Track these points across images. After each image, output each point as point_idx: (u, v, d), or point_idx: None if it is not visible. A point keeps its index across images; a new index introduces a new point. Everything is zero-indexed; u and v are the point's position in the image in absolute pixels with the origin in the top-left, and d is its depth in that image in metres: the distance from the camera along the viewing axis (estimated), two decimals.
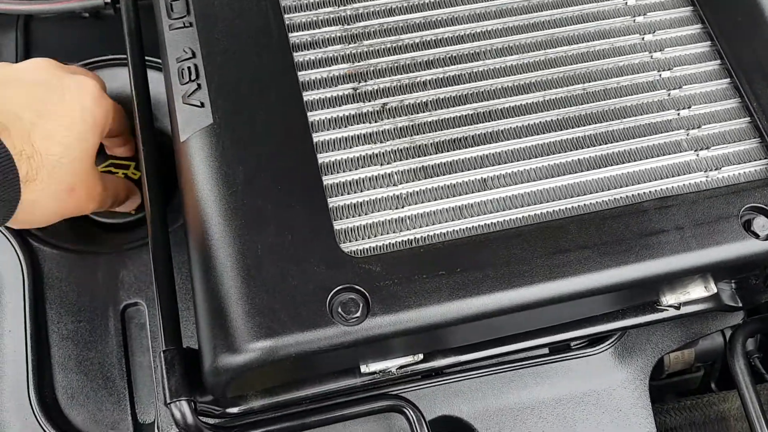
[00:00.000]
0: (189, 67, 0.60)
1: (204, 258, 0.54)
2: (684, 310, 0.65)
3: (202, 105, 0.59)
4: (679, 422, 0.76)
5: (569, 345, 0.71)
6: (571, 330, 0.65)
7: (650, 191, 0.59)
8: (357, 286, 0.52)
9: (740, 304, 0.67)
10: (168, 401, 0.53)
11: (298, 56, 0.61)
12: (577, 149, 0.60)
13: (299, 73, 0.60)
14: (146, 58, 0.70)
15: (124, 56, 0.78)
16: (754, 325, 0.68)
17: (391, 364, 0.58)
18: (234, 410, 0.58)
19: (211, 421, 0.57)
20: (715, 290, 0.61)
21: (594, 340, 0.71)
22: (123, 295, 0.69)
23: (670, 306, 0.63)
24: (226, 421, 0.59)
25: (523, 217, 0.57)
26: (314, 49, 0.62)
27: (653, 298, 0.62)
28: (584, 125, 0.61)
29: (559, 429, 0.69)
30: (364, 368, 0.58)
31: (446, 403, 0.68)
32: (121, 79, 0.80)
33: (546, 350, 0.71)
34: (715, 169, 0.60)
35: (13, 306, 0.67)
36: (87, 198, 0.62)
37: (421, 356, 0.59)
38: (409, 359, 0.59)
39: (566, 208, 0.58)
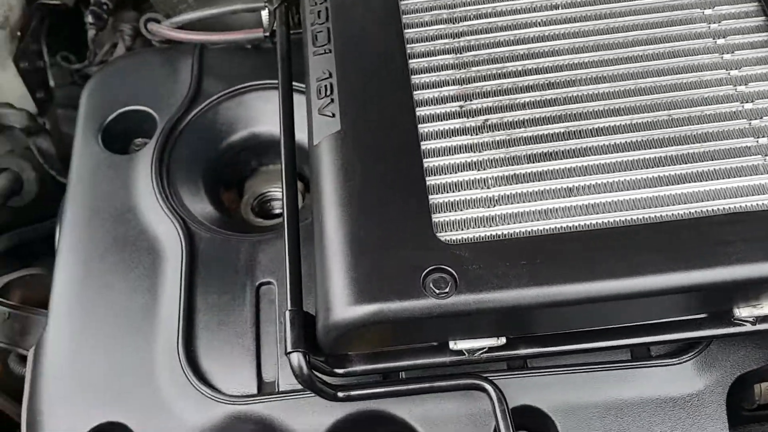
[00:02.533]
0: (326, 85, 0.73)
1: (325, 236, 0.65)
2: (760, 326, 0.69)
3: (333, 115, 0.71)
4: None
5: (650, 353, 0.76)
6: (648, 335, 0.70)
7: (724, 208, 0.64)
8: (447, 267, 0.62)
9: None
10: (288, 351, 0.65)
11: (415, 78, 0.73)
12: (658, 167, 0.67)
13: (415, 93, 0.72)
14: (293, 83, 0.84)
15: (276, 82, 0.94)
16: None
17: (477, 344, 0.67)
18: (340, 371, 0.69)
19: (321, 376, 0.68)
20: None
21: (675, 351, 0.75)
22: (259, 274, 0.82)
23: (744, 320, 0.67)
24: (333, 380, 0.69)
25: (603, 222, 0.65)
26: (429, 73, 0.73)
27: (725, 307, 0.67)
28: (667, 146, 0.68)
29: (636, 430, 0.73)
30: (452, 345, 0.67)
31: (529, 395, 0.75)
32: (271, 100, 0.95)
33: (629, 356, 0.76)
34: None
35: (171, 277, 0.82)
36: None
37: (504, 340, 0.67)
38: (492, 341, 0.67)
39: (643, 217, 0.64)
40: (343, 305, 0.61)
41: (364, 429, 0.75)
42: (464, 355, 0.68)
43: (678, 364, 0.75)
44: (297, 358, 0.65)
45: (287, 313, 0.66)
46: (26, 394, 0.78)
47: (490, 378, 0.73)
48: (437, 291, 0.61)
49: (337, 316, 0.62)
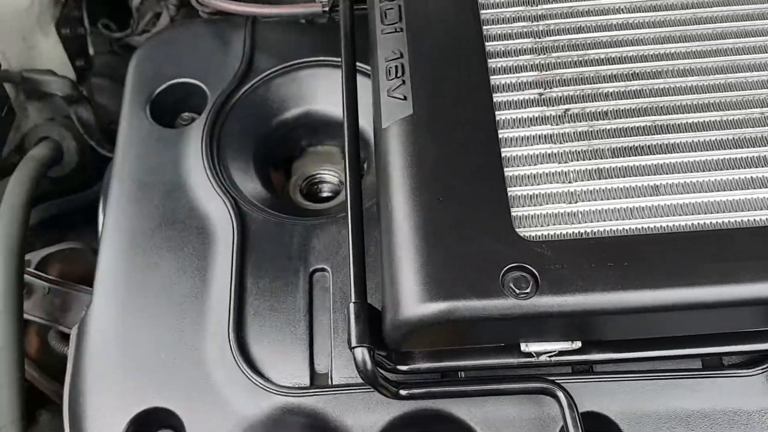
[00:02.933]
0: (396, 66, 0.69)
1: (394, 226, 0.62)
2: None
3: (405, 98, 0.67)
4: None
5: (723, 363, 0.72)
6: (730, 344, 0.66)
7: None
8: (528, 266, 0.58)
9: None
10: (352, 346, 0.61)
11: (492, 62, 0.69)
12: (750, 167, 0.63)
13: (491, 77, 0.68)
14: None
15: (332, 59, 0.91)
16: None
17: (550, 347, 0.63)
18: (403, 368, 0.66)
19: (384, 373, 0.65)
20: None
21: (750, 361, 0.72)
22: (312, 260, 0.78)
23: None
24: (395, 377, 0.66)
25: (692, 224, 0.61)
26: (506, 57, 0.69)
27: None
28: (760, 146, 0.64)
29: None
30: (524, 347, 0.63)
31: (595, 401, 0.71)
32: (326, 78, 0.92)
33: (699, 364, 0.73)
34: None
35: (222, 258, 0.79)
36: None
37: (579, 344, 0.63)
38: (566, 345, 0.63)
39: (735, 221, 0.61)
40: (415, 301, 0.58)
41: (421, 427, 0.72)
42: (533, 357, 0.65)
43: (752, 375, 0.71)
44: (361, 353, 0.61)
45: (351, 306, 0.63)
46: (69, 374, 0.76)
47: (557, 380, 0.70)
48: (517, 291, 0.57)
49: (407, 313, 0.58)
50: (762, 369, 0.71)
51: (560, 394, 0.65)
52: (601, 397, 0.71)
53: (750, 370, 0.71)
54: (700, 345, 0.67)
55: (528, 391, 0.67)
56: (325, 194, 0.95)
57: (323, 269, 0.78)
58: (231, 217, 0.80)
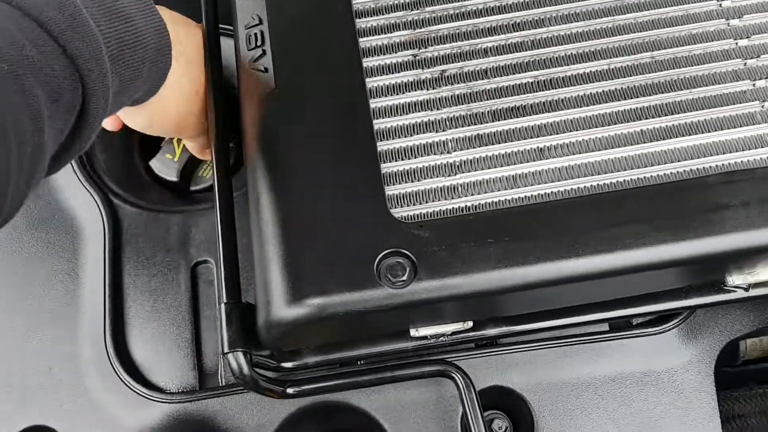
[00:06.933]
0: (256, 34, 0.62)
1: (261, 216, 0.56)
2: (754, 292, 0.62)
3: (266, 70, 0.61)
4: (748, 410, 0.72)
5: (630, 323, 0.70)
6: (631, 306, 0.63)
7: (717, 165, 0.56)
8: (405, 251, 0.53)
9: None
10: (225, 351, 0.56)
11: (360, 23, 0.62)
12: (640, 119, 0.58)
13: (360, 40, 0.61)
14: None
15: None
16: None
17: (440, 330, 0.59)
18: (288, 365, 0.61)
19: (266, 373, 0.60)
20: None
21: (657, 319, 0.69)
22: (194, 253, 0.72)
23: (737, 287, 0.61)
24: (281, 375, 0.61)
25: (579, 188, 0.56)
26: (377, 15, 0.63)
27: (717, 278, 0.60)
28: (650, 95, 0.59)
29: (615, 407, 0.67)
30: (413, 332, 0.59)
31: (498, 374, 0.68)
32: None
33: (606, 327, 0.70)
34: None
35: (93, 258, 0.72)
36: (200, 113, 0.64)
37: (470, 324, 0.59)
38: (458, 326, 0.59)
39: (625, 180, 0.56)
40: (285, 301, 0.53)
41: (320, 420, 0.68)
42: (427, 339, 0.61)
43: (660, 333, 0.69)
44: (235, 359, 0.56)
45: (222, 307, 0.57)
46: None
47: (456, 359, 0.66)
48: (393, 279, 0.52)
49: (278, 314, 0.53)
50: (670, 326, 0.69)
51: (456, 375, 0.62)
52: (505, 370, 0.68)
53: (658, 329, 0.69)
54: (602, 310, 0.63)
55: (423, 376, 0.63)
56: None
57: (206, 261, 0.73)
58: (101, 212, 0.73)
